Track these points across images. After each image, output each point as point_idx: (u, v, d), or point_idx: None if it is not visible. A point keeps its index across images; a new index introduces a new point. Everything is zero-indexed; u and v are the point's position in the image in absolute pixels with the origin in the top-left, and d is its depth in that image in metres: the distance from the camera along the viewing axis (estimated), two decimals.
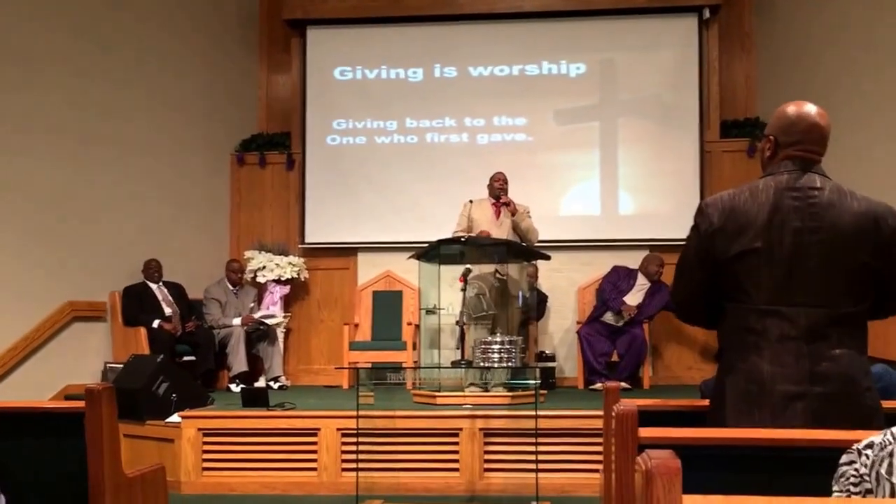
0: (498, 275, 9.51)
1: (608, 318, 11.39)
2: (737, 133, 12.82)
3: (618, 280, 11.59)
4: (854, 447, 2.33)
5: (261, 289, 12.53)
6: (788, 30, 12.18)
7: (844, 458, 2.35)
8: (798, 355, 3.40)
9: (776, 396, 3.40)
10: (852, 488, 2.28)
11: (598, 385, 10.78)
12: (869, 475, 2.24)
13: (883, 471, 2.18)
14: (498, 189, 9.93)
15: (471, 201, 10.00)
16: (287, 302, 12.88)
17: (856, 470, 2.28)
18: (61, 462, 4.56)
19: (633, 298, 11.42)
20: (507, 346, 8.61)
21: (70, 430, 4.48)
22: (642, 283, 11.51)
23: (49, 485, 4.57)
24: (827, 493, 2.36)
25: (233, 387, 10.85)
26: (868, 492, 2.25)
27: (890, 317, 3.85)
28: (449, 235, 9.62)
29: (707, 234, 3.61)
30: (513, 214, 9.74)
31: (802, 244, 3.44)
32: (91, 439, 4.44)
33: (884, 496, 2.20)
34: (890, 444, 2.21)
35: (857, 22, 10.07)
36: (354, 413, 7.30)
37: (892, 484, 2.15)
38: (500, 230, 9.69)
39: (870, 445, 2.28)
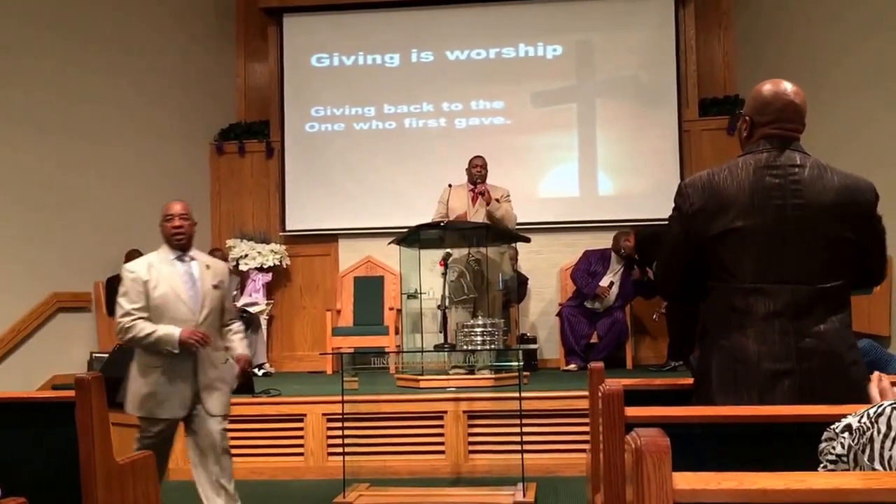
0: (472, 258, 9.54)
1: (590, 302, 11.38)
2: (716, 111, 12.84)
3: (589, 266, 11.55)
4: (832, 427, 2.36)
5: (243, 277, 12.51)
6: (766, 6, 12.20)
7: (825, 436, 2.38)
8: (783, 332, 3.42)
9: (763, 375, 3.42)
10: (830, 466, 2.32)
11: (572, 366, 10.86)
12: (846, 457, 2.26)
13: (865, 458, 2.19)
14: (476, 175, 9.95)
15: (450, 186, 10.00)
16: (269, 289, 12.88)
17: (833, 448, 2.32)
18: (53, 451, 4.60)
19: (608, 281, 11.41)
20: (490, 329, 8.66)
21: (61, 419, 4.52)
22: (616, 266, 11.50)
23: (41, 473, 4.60)
24: (815, 467, 2.39)
25: None
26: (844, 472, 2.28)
27: (870, 290, 3.89)
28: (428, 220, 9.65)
29: (688, 215, 3.63)
30: (487, 204, 9.74)
31: (785, 221, 3.47)
32: (82, 428, 4.48)
33: None
34: (868, 428, 2.24)
35: None
36: (339, 398, 7.34)
37: (873, 469, 2.18)
38: (476, 217, 9.71)
39: (847, 428, 2.29)
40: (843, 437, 2.28)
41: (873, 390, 2.82)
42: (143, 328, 5.86)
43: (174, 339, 5.83)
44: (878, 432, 2.19)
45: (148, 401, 5.97)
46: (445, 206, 9.97)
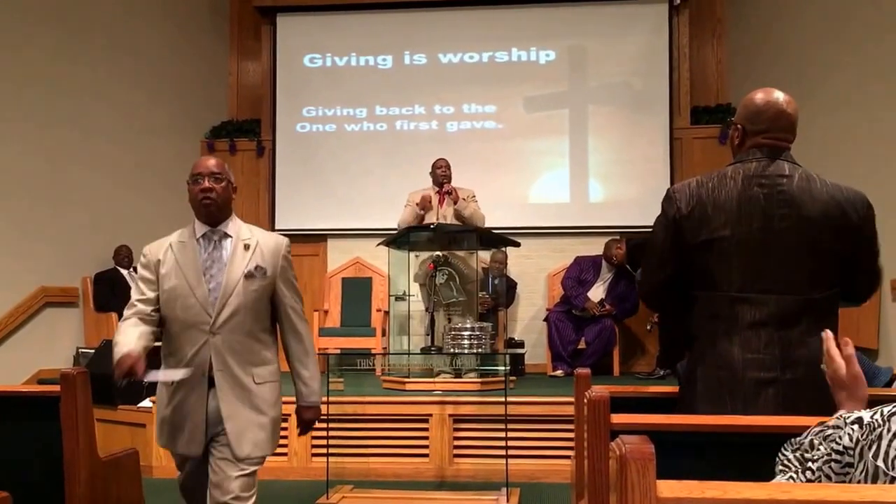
0: (443, 259, 9.52)
1: (577, 309, 11.35)
2: (707, 119, 12.89)
3: (580, 273, 11.54)
4: (842, 416, 2.37)
5: None
6: (760, 15, 12.23)
7: (833, 422, 2.38)
8: (768, 342, 3.45)
9: (747, 383, 3.45)
10: (835, 455, 2.32)
11: (559, 372, 10.89)
12: (853, 450, 2.27)
13: (870, 454, 2.20)
14: (441, 176, 9.94)
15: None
16: None
17: (840, 438, 2.32)
18: (37, 445, 4.59)
19: (598, 292, 11.40)
20: (478, 333, 8.65)
21: (45, 413, 4.51)
22: (607, 275, 11.51)
23: (24, 468, 4.59)
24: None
25: None
26: (848, 465, 2.28)
27: (861, 303, 3.89)
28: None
29: (674, 221, 3.66)
30: (455, 203, 9.76)
31: (772, 231, 3.49)
32: (66, 423, 4.46)
33: (862, 473, 2.23)
34: (879, 425, 2.24)
35: (827, 7, 10.13)
36: (325, 399, 7.32)
37: (876, 466, 2.18)
38: (444, 219, 9.71)
39: (858, 421, 2.30)
40: (852, 429, 2.29)
41: (832, 349, 2.83)
42: (118, 332, 4.40)
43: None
44: (888, 431, 2.20)
45: (163, 427, 4.58)
46: (414, 205, 9.96)
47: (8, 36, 10.03)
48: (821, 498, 1.87)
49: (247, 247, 4.57)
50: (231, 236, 4.61)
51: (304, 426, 4.84)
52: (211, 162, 4.65)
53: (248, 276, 4.48)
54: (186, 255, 4.52)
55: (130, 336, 4.29)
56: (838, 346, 2.86)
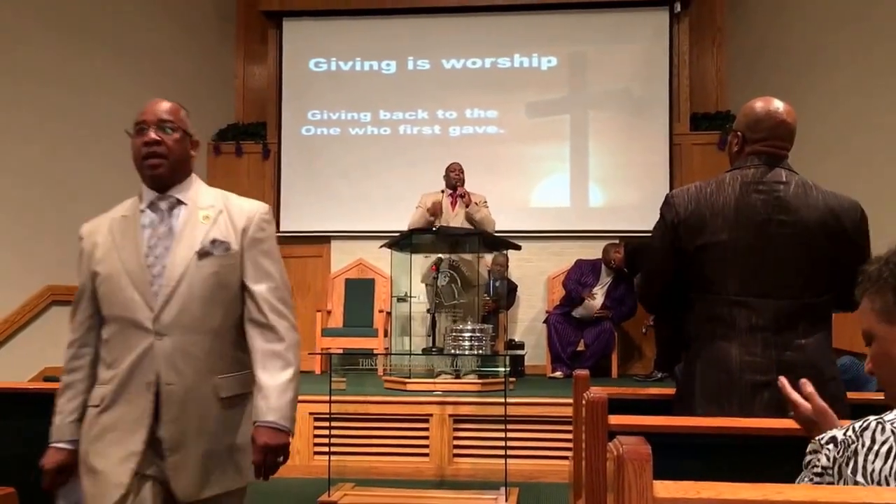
0: (452, 262, 9.58)
1: (577, 311, 11.41)
2: (707, 126, 12.89)
3: (581, 275, 11.59)
4: (816, 439, 2.42)
5: None
6: (760, 24, 12.25)
7: (810, 448, 2.43)
8: (765, 345, 3.50)
9: (744, 386, 3.50)
10: (815, 478, 2.37)
11: (558, 373, 10.94)
12: (831, 469, 2.31)
13: (849, 470, 2.23)
14: (454, 179, 10.06)
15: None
16: None
17: (818, 460, 2.37)
18: (42, 442, 4.63)
19: (597, 295, 11.45)
20: (478, 334, 8.70)
21: (51, 411, 4.55)
22: (606, 279, 11.54)
23: (30, 464, 4.63)
24: (793, 479, 2.44)
25: None
26: (828, 485, 2.34)
27: (855, 309, 3.94)
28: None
29: (673, 225, 3.71)
30: (467, 206, 9.85)
31: (768, 236, 3.54)
32: None
33: None
34: (853, 441, 2.29)
35: (827, 16, 10.16)
36: (327, 398, 7.38)
37: (855, 481, 2.23)
38: (456, 221, 9.80)
39: (832, 440, 2.34)
40: (828, 449, 2.30)
41: (793, 394, 2.86)
42: (65, 368, 3.60)
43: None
44: (863, 446, 2.22)
45: (83, 466, 3.36)
46: (425, 209, 10.04)
47: (18, 34, 10.06)
48: (814, 499, 1.89)
49: (206, 217, 3.38)
50: (185, 204, 3.42)
51: (260, 456, 3.42)
52: (161, 106, 3.50)
53: (202, 254, 3.29)
54: (126, 233, 3.43)
55: (62, 416, 3.51)
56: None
